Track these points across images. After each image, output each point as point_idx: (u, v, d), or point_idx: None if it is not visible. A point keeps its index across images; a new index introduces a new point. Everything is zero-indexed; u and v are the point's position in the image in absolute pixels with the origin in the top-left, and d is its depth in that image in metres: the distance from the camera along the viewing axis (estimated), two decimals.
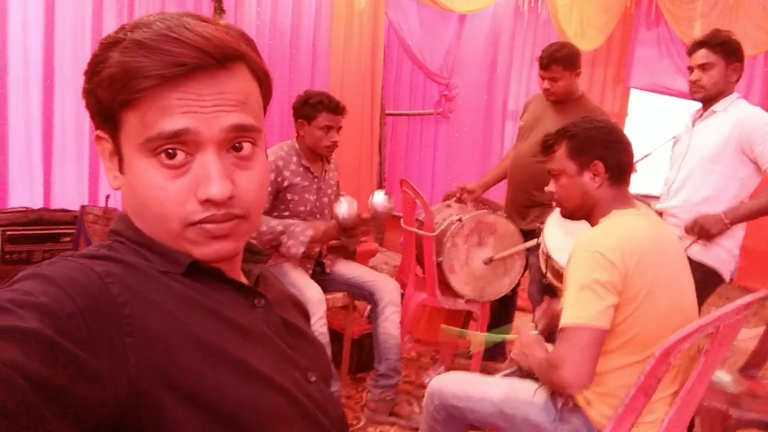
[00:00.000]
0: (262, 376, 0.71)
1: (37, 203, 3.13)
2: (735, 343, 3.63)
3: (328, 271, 2.80)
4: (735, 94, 2.53)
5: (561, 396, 1.65)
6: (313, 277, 2.67)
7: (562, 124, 1.85)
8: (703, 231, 2.42)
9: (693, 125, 2.62)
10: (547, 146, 1.81)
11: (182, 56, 0.65)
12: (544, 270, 2.60)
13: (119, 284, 0.65)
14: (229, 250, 0.73)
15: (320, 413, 0.78)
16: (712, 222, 2.41)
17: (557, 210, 2.58)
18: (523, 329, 1.87)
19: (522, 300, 3.62)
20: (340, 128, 2.66)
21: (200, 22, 0.69)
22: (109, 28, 3.23)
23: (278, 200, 2.61)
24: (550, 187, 1.83)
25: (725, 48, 2.49)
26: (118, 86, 0.66)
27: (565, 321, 1.55)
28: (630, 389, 1.42)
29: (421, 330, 3.62)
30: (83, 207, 2.93)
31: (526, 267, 3.05)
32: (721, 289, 2.60)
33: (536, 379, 1.74)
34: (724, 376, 2.33)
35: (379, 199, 2.79)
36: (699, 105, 2.63)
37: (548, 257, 2.56)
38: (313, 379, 0.81)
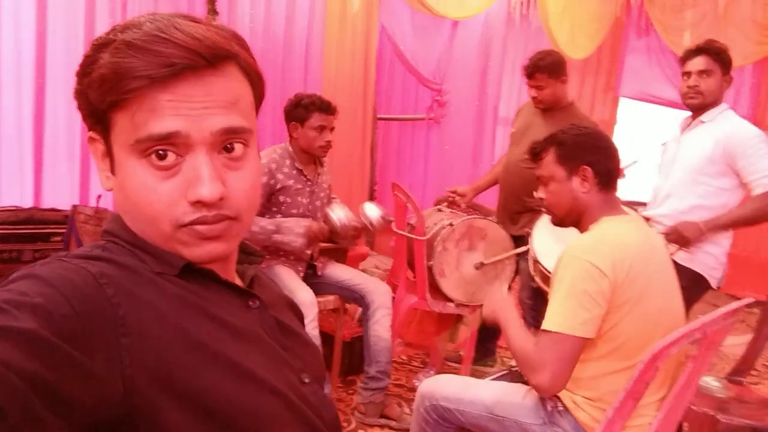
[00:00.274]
0: (256, 377, 0.71)
1: (28, 202, 3.11)
2: (723, 350, 3.67)
3: (319, 273, 2.80)
4: (723, 105, 2.56)
5: (549, 399, 1.67)
6: (305, 279, 2.67)
7: (551, 131, 1.87)
8: (679, 237, 2.45)
9: (682, 133, 2.65)
10: (536, 153, 1.83)
11: (172, 56, 0.65)
12: (532, 274, 2.62)
13: (114, 285, 0.65)
14: (221, 252, 0.73)
15: (314, 415, 0.78)
16: (689, 228, 2.44)
17: (546, 215, 2.61)
18: (495, 289, 1.88)
19: None
20: (333, 128, 2.66)
21: (191, 22, 0.69)
22: (102, 28, 3.22)
23: (271, 203, 2.61)
24: (540, 194, 1.84)
25: (723, 58, 2.52)
26: (108, 87, 0.66)
27: (549, 326, 1.56)
28: (619, 394, 1.43)
29: (412, 333, 3.63)
30: (74, 207, 2.91)
31: (516, 272, 3.06)
32: (708, 296, 2.63)
33: (525, 382, 1.75)
34: (712, 382, 2.35)
35: (372, 211, 2.80)
36: (688, 113, 2.66)
37: (536, 261, 2.58)
38: (307, 380, 0.81)
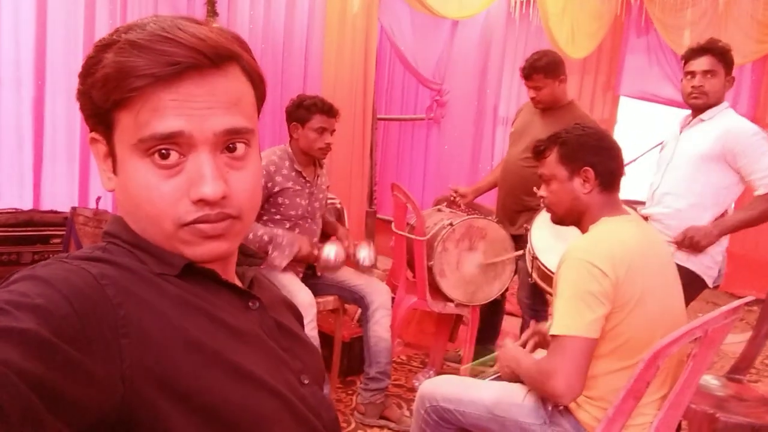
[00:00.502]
0: (256, 378, 0.71)
1: (27, 204, 3.11)
2: (722, 348, 3.67)
3: (319, 274, 2.80)
4: (724, 104, 2.55)
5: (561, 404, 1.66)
6: (304, 280, 2.67)
7: (550, 130, 1.87)
8: (693, 243, 2.44)
9: (681, 131, 2.64)
10: (539, 152, 1.83)
11: (175, 55, 0.65)
12: (530, 270, 2.61)
13: (114, 286, 0.65)
14: (223, 251, 0.73)
15: (313, 416, 0.78)
16: (702, 234, 2.43)
17: (545, 211, 2.61)
18: (505, 343, 1.88)
19: (511, 304, 3.64)
20: (333, 131, 2.66)
21: (194, 24, 0.70)
22: (102, 30, 3.22)
23: (269, 204, 2.61)
24: (541, 192, 1.84)
25: (727, 59, 2.51)
26: (111, 86, 0.66)
27: (556, 330, 1.56)
28: (620, 393, 1.43)
29: (412, 334, 3.64)
30: (74, 209, 2.91)
31: (515, 272, 3.07)
32: (708, 294, 2.63)
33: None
34: (711, 380, 2.35)
35: (365, 256, 2.80)
36: (688, 112, 2.65)
37: (534, 258, 2.58)
38: (307, 381, 0.81)
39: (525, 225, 2.86)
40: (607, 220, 1.71)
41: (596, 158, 1.73)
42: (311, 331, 2.43)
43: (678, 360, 1.69)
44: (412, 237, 2.93)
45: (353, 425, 2.71)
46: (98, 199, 3.01)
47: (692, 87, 2.53)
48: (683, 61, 2.60)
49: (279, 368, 0.77)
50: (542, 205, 1.90)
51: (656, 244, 1.75)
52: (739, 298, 1.66)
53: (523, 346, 1.95)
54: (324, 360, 2.78)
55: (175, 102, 0.67)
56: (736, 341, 3.56)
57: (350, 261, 2.79)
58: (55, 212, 2.97)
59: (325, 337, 2.88)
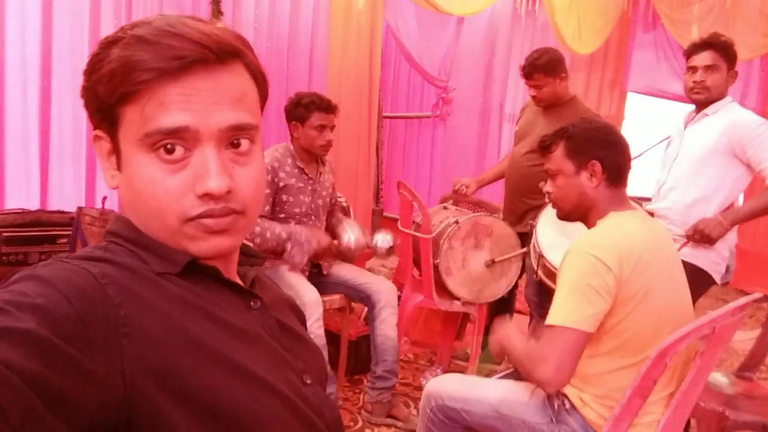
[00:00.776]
0: (258, 378, 0.71)
1: (34, 205, 3.13)
2: (731, 345, 3.64)
3: (325, 273, 2.80)
4: (728, 98, 2.54)
5: (556, 397, 1.65)
6: (310, 279, 2.67)
7: (554, 127, 1.86)
8: (704, 236, 2.42)
9: (685, 127, 2.63)
10: (545, 146, 1.81)
11: (182, 50, 0.66)
12: (535, 267, 2.60)
13: (115, 285, 0.65)
14: (227, 246, 0.73)
15: (316, 416, 0.78)
16: (712, 226, 2.41)
17: (550, 207, 2.59)
18: (505, 318, 1.86)
19: (520, 303, 3.62)
20: (333, 127, 2.66)
21: (199, 21, 0.71)
22: (107, 30, 3.24)
23: (274, 201, 2.61)
24: (547, 187, 1.83)
25: (729, 53, 2.49)
26: (117, 80, 0.66)
27: (553, 320, 1.55)
28: (626, 391, 1.42)
29: (418, 332, 3.63)
30: (80, 209, 2.92)
31: (522, 269, 3.05)
32: (718, 291, 2.61)
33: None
34: (720, 378, 2.33)
35: (383, 242, 2.81)
36: (693, 107, 2.64)
37: (540, 255, 2.56)
38: (309, 381, 0.81)
39: (530, 222, 2.85)
40: (614, 215, 1.70)
41: (603, 152, 1.71)
42: (318, 329, 2.43)
43: (686, 357, 1.67)
44: (418, 235, 2.92)
45: (360, 424, 2.71)
46: (104, 199, 3.02)
47: (694, 82, 2.52)
48: (685, 57, 2.59)
49: (280, 368, 0.77)
50: (548, 200, 1.88)
51: (663, 240, 1.73)
52: (749, 294, 1.64)
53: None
54: (331, 358, 2.79)
55: (181, 96, 0.67)
56: (745, 338, 3.54)
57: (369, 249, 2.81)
58: (62, 212, 2.98)
59: (332, 336, 2.88)
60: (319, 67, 4.07)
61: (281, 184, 2.59)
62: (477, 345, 3.07)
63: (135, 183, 0.70)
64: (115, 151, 0.72)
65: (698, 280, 2.41)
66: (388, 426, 2.69)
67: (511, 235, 2.97)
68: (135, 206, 0.73)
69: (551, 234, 2.56)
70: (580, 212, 1.77)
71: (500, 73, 5.22)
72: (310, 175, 2.68)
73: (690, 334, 1.40)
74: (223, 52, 0.69)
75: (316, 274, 2.77)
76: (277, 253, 2.56)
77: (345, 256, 2.73)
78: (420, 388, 3.02)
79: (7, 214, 2.84)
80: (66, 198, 3.23)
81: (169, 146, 0.68)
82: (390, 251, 2.87)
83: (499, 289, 3.00)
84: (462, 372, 3.15)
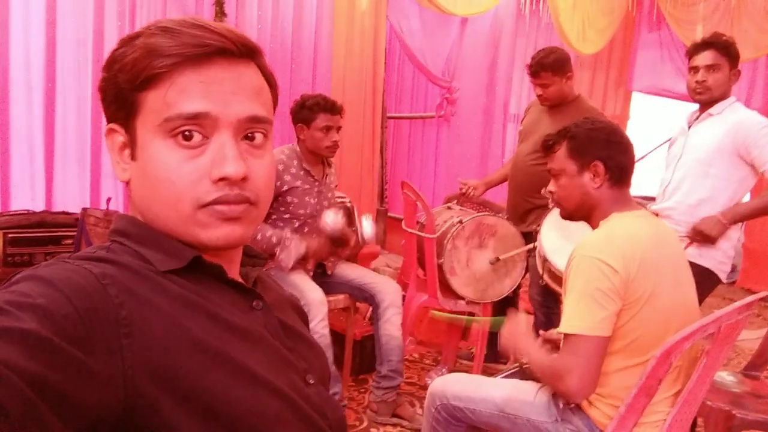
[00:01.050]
0: (260, 378, 0.71)
1: (39, 206, 3.14)
2: (738, 344, 3.63)
3: (329, 272, 2.80)
4: (732, 98, 2.53)
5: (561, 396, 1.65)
6: (315, 278, 2.67)
7: (558, 127, 1.85)
8: (703, 236, 2.41)
9: (689, 127, 2.62)
10: (548, 146, 1.81)
11: (205, 38, 0.69)
12: (540, 272, 2.60)
13: (116, 285, 0.65)
14: (239, 235, 0.74)
15: (318, 416, 0.78)
16: (711, 225, 2.40)
17: (554, 212, 2.59)
18: (519, 317, 1.85)
19: (524, 302, 3.61)
20: (339, 128, 2.66)
21: (220, 23, 0.75)
22: (110, 30, 3.26)
23: (278, 203, 2.61)
24: (551, 187, 1.82)
25: (731, 52, 2.49)
26: (141, 66, 0.68)
27: (567, 329, 1.55)
28: (632, 390, 1.41)
29: (423, 331, 3.63)
30: (84, 210, 2.92)
31: (526, 269, 3.05)
32: (725, 290, 2.60)
33: (538, 380, 1.73)
34: (727, 377, 2.32)
35: (367, 228, 2.78)
36: (697, 106, 2.63)
37: (545, 260, 2.56)
38: (312, 381, 0.81)
39: (534, 225, 2.85)
40: (618, 216, 1.69)
41: (606, 152, 1.70)
42: (323, 329, 2.43)
43: (692, 357, 1.66)
44: (422, 235, 2.92)
45: (366, 423, 2.71)
46: (108, 199, 3.03)
47: (696, 82, 2.52)
48: (687, 57, 2.58)
49: (283, 368, 0.77)
50: (551, 200, 1.88)
51: (668, 240, 1.72)
52: (756, 293, 1.63)
53: None
54: (336, 358, 2.78)
55: (202, 84, 0.69)
56: (752, 337, 3.52)
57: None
58: (67, 213, 2.99)
59: (337, 336, 2.88)
60: (322, 68, 4.07)
61: (285, 187, 2.59)
62: (482, 344, 3.06)
63: (150, 169, 0.71)
64: (130, 142, 0.73)
65: (705, 281, 2.40)
66: (394, 425, 2.69)
67: (515, 234, 2.97)
68: (148, 194, 0.73)
69: (555, 238, 2.56)
70: (583, 212, 1.77)
71: (504, 73, 5.21)
72: (315, 177, 2.68)
73: (695, 334, 1.39)
74: (244, 48, 0.72)
75: (320, 274, 2.77)
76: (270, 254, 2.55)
77: (335, 240, 2.67)
78: (425, 388, 3.02)
79: (13, 215, 2.85)
80: (70, 199, 3.23)
81: (187, 132, 0.69)
82: (370, 240, 2.83)
83: (503, 289, 3.00)
84: (467, 371, 3.14)
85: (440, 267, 2.87)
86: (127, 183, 0.77)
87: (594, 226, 1.74)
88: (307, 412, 0.76)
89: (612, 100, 5.82)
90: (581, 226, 1.80)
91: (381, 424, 2.70)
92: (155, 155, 0.70)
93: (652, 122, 6.00)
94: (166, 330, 0.66)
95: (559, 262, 2.52)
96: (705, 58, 2.50)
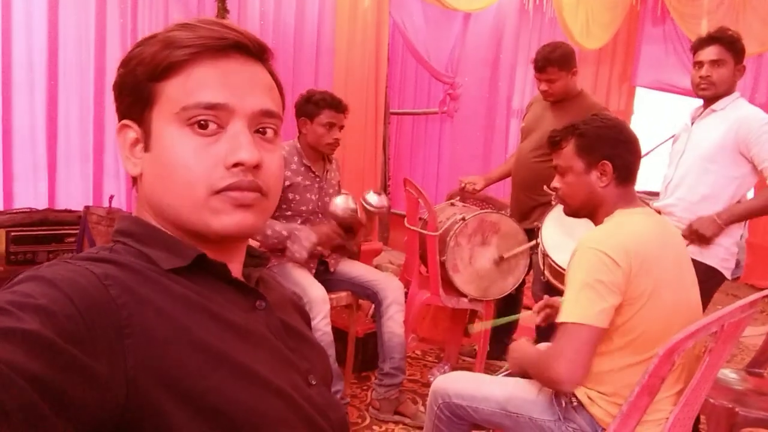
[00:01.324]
0: (262, 379, 0.71)
1: (42, 204, 3.14)
2: (742, 341, 3.62)
3: (331, 270, 2.79)
4: (736, 94, 2.51)
5: (562, 394, 1.64)
6: (317, 276, 2.67)
7: (562, 122, 1.84)
8: (698, 236, 2.40)
9: (692, 123, 2.60)
10: (555, 142, 1.79)
11: (225, 33, 0.72)
12: (542, 268, 2.59)
13: (118, 286, 0.65)
14: (250, 224, 0.74)
15: (320, 417, 0.78)
16: (706, 225, 2.39)
17: (556, 209, 2.58)
18: (519, 341, 1.86)
19: (528, 298, 3.61)
20: (342, 127, 2.65)
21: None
22: (113, 29, 3.26)
23: (280, 200, 2.60)
24: (555, 183, 1.81)
25: (736, 48, 2.46)
26: (161, 57, 0.71)
27: (564, 317, 1.55)
28: (634, 388, 1.41)
29: (426, 329, 3.63)
30: (87, 208, 2.93)
31: (530, 266, 3.04)
32: (729, 286, 2.59)
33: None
34: (730, 374, 2.31)
35: (372, 198, 2.78)
36: (701, 102, 2.61)
37: (546, 256, 2.55)
38: (314, 382, 0.81)
39: (536, 222, 2.84)
40: (622, 213, 1.68)
41: (614, 151, 1.69)
42: (325, 326, 2.43)
43: (694, 355, 1.66)
44: (425, 232, 2.91)
45: (368, 421, 2.71)
46: (111, 197, 3.03)
47: (700, 77, 2.50)
48: (692, 52, 2.56)
49: (285, 369, 0.77)
50: (555, 196, 1.87)
51: (671, 237, 1.72)
52: (761, 289, 1.62)
53: (537, 314, 1.98)
54: (338, 356, 2.78)
55: (220, 77, 0.72)
56: (756, 334, 3.51)
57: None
58: (70, 211, 2.99)
59: (339, 333, 2.88)
60: (325, 65, 4.06)
61: (286, 183, 2.58)
62: (485, 342, 3.06)
63: (166, 157, 0.72)
64: (144, 135, 0.74)
65: (709, 279, 2.39)
66: (396, 423, 2.69)
67: (518, 231, 2.96)
68: (161, 184, 0.74)
69: (557, 234, 2.55)
70: (588, 209, 1.76)
71: (507, 69, 5.18)
72: (316, 173, 2.68)
73: (697, 332, 1.39)
74: (259, 47, 0.76)
75: (322, 272, 2.76)
76: (279, 250, 2.55)
77: (344, 225, 2.65)
78: (428, 385, 3.02)
79: (15, 213, 2.86)
80: (73, 197, 3.24)
81: (203, 122, 0.71)
82: (381, 209, 2.81)
83: (506, 286, 2.99)
84: (470, 369, 3.14)
85: (443, 264, 2.87)
86: (135, 181, 0.78)
87: (598, 223, 1.73)
88: (309, 413, 0.76)
89: (616, 95, 5.80)
90: (583, 223, 1.80)
91: (383, 421, 2.70)
92: (171, 143, 0.72)
93: (656, 117, 5.97)
94: (168, 330, 0.66)
95: (560, 258, 2.51)
96: (710, 53, 2.47)
